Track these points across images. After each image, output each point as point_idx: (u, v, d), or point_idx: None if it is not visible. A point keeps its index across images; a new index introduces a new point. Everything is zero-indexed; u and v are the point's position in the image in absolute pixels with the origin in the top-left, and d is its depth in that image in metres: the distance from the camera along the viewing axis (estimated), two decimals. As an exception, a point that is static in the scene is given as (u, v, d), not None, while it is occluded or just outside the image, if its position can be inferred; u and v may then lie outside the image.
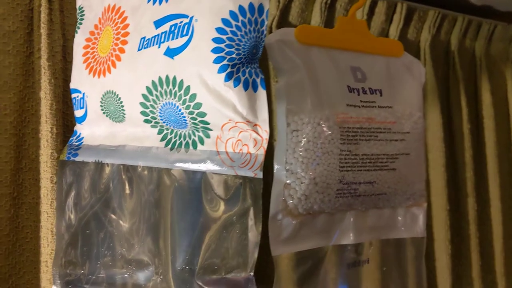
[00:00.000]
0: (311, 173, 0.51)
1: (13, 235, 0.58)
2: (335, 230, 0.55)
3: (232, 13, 0.40)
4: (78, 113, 0.52)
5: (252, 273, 0.40)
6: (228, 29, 0.40)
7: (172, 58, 0.42)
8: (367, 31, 0.58)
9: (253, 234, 0.40)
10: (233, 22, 0.40)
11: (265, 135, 0.41)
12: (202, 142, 0.43)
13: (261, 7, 0.41)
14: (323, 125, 0.52)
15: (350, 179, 0.53)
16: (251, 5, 0.40)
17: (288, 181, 0.51)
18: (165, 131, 0.46)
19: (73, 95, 0.53)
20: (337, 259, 0.55)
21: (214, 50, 0.40)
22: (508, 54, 1.04)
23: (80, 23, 0.53)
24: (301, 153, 0.51)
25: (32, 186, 0.59)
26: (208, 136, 0.43)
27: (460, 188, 0.97)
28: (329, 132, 0.52)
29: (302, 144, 0.51)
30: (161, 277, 0.45)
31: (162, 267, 0.44)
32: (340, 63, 0.55)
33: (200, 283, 0.42)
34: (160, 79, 0.43)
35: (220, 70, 0.40)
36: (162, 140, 0.46)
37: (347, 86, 0.55)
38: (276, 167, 0.51)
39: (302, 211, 0.52)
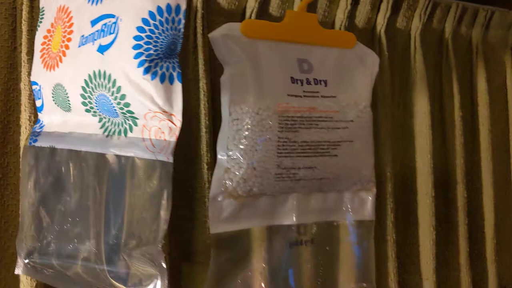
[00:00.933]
0: (249, 158, 0.55)
1: (-1, 212, 0.66)
2: (277, 211, 0.59)
3: (150, 13, 0.45)
4: (38, 103, 0.59)
5: (160, 246, 0.45)
6: (147, 28, 0.45)
7: (103, 54, 0.47)
8: (317, 24, 0.62)
9: (164, 212, 0.45)
10: (151, 21, 0.45)
11: (179, 124, 0.46)
12: (131, 130, 0.49)
13: (178, 8, 0.46)
14: (261, 115, 0.56)
15: (288, 164, 0.57)
16: (168, 6, 0.45)
17: (228, 166, 0.56)
18: (103, 120, 0.52)
19: (33, 87, 0.59)
20: (279, 238, 0.59)
21: (135, 47, 0.45)
22: (507, 41, 1.03)
23: (41, 22, 0.59)
24: (241, 140, 0.55)
25: (17, 169, 0.66)
26: (136, 124, 0.48)
27: (450, 175, 0.98)
28: (268, 121, 0.56)
29: (241, 132, 0.55)
30: (95, 250, 0.51)
31: (97, 241, 0.51)
32: (286, 55, 0.59)
33: (123, 256, 0.48)
34: (94, 73, 0.48)
35: (139, 65, 0.45)
36: (101, 127, 0.52)
37: (291, 77, 0.58)
38: (218, 153, 0.56)
39: (242, 193, 0.56)
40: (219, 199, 0.55)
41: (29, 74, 0.63)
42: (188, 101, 0.72)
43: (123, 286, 0.49)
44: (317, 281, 0.61)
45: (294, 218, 0.59)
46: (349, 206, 0.63)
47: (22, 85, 0.63)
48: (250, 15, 0.81)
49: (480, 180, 1.01)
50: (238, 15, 0.79)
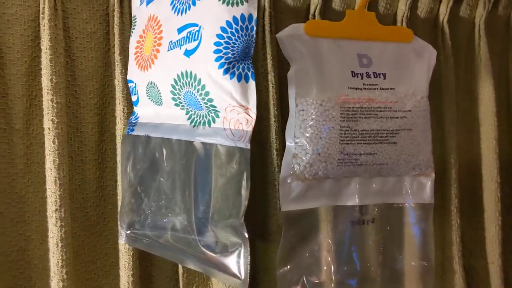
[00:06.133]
0: (314, 145, 0.62)
1: (99, 191, 0.76)
2: (341, 193, 0.65)
3: (228, 22, 0.52)
4: (133, 98, 0.69)
5: (242, 219, 0.53)
6: (225, 35, 0.53)
7: (189, 57, 0.56)
8: (375, 21, 0.66)
9: (245, 191, 0.53)
10: (229, 29, 0.52)
11: (254, 116, 0.54)
12: (214, 121, 0.57)
13: (250, 16, 0.53)
14: (325, 106, 0.62)
15: (350, 151, 0.63)
16: (242, 15, 0.53)
17: (296, 152, 0.62)
18: (190, 113, 0.60)
19: (129, 85, 0.69)
20: (342, 216, 0.65)
21: (215, 51, 0.53)
22: None
23: (134, 28, 0.68)
24: (306, 129, 0.62)
25: (113, 154, 0.76)
26: (218, 116, 0.56)
27: (517, 161, 0.99)
28: (330, 111, 0.62)
29: (307, 122, 0.62)
30: (187, 222, 0.60)
31: (188, 215, 0.59)
32: (347, 51, 0.65)
33: (211, 228, 0.56)
34: (182, 73, 0.57)
35: (220, 67, 0.53)
36: (188, 119, 0.60)
37: (351, 71, 0.64)
38: (287, 140, 0.63)
39: (308, 176, 0.63)
40: (288, 181, 0.62)
41: (121, 71, 0.72)
42: (259, 93, 0.79)
43: (212, 253, 0.57)
44: (379, 257, 0.67)
45: (357, 200, 0.65)
46: (408, 189, 0.68)
47: (116, 81, 0.73)
48: (314, 11, 0.86)
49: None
50: (303, 11, 0.85)
